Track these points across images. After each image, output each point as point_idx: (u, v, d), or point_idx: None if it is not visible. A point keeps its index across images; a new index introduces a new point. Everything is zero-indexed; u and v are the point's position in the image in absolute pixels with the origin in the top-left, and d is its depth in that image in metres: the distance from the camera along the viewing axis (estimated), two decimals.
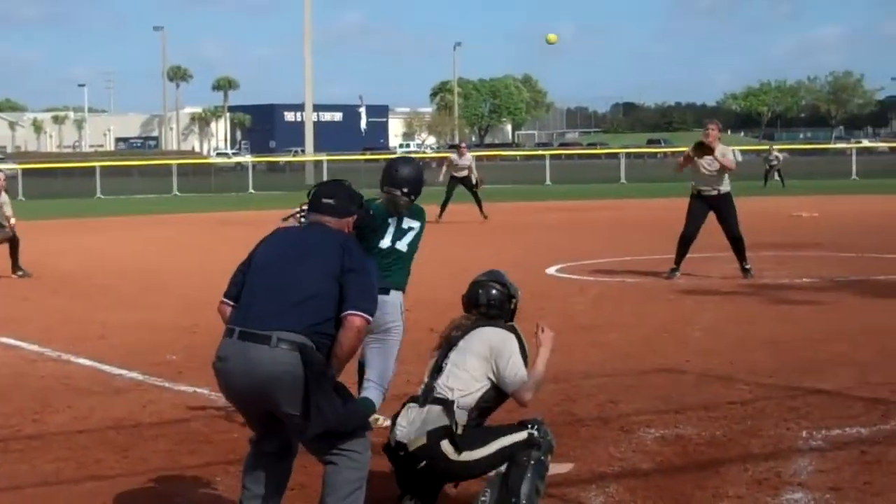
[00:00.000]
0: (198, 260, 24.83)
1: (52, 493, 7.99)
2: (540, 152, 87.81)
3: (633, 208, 35.99)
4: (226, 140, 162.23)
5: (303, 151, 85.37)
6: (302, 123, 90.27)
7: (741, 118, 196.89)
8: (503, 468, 6.87)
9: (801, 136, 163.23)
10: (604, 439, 8.89)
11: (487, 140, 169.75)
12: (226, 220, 38.23)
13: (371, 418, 7.93)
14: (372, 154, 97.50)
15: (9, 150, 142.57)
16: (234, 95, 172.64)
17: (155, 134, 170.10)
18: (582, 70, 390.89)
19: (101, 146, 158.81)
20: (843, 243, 24.46)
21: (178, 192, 60.35)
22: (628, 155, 73.02)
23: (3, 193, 21.23)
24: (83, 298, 18.33)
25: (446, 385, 7.02)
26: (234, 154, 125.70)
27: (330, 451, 6.31)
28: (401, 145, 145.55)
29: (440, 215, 31.56)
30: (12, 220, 21.16)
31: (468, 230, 28.87)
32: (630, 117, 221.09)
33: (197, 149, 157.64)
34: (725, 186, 18.35)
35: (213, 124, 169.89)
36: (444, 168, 35.41)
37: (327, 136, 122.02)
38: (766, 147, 60.89)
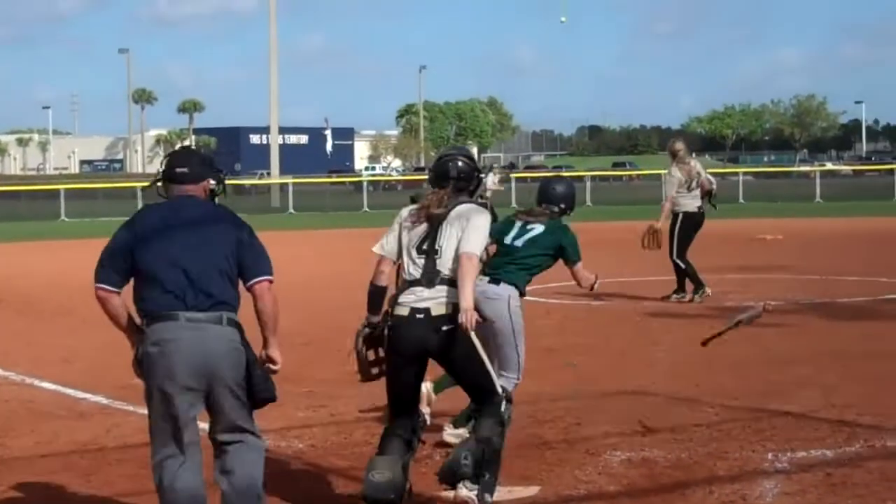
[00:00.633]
0: None
1: None
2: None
3: (598, 231, 36.03)
4: None
5: (268, 174, 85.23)
6: (267, 146, 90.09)
7: (706, 141, 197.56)
8: (472, 438, 7.48)
9: (766, 158, 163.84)
10: (570, 462, 8.89)
11: None
12: None
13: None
14: (338, 177, 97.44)
15: None
16: (200, 118, 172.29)
17: (120, 156, 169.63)
18: (547, 93, 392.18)
19: (66, 168, 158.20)
20: (807, 266, 24.55)
21: None
22: (594, 178, 73.14)
23: None
24: (47, 321, 18.24)
25: (450, 267, 7.48)
26: None
27: (242, 430, 6.90)
28: (367, 168, 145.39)
29: None
30: None
31: None
32: (595, 140, 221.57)
33: None
34: (680, 207, 18.57)
35: (178, 147, 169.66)
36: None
37: (293, 159, 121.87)
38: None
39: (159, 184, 6.97)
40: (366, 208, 63.97)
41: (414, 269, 7.59)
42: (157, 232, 6.71)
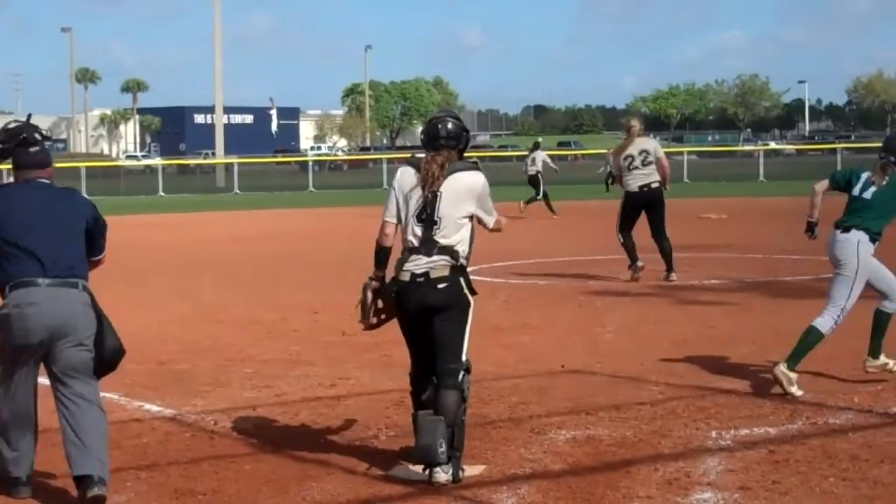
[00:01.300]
0: (108, 263, 24.55)
1: None
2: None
3: (544, 210, 36.06)
4: (135, 142, 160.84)
5: (213, 154, 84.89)
6: (212, 126, 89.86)
7: (650, 120, 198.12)
8: (441, 421, 7.83)
9: (710, 138, 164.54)
10: (515, 441, 8.91)
11: (399, 142, 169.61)
12: (136, 223, 37.95)
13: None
14: (283, 156, 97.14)
15: None
16: (144, 97, 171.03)
17: (63, 136, 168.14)
18: (493, 72, 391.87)
19: None
20: (751, 245, 24.72)
21: (86, 195, 59.64)
22: None
23: None
24: None
25: (447, 237, 8.06)
26: (143, 157, 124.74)
27: (84, 388, 7.62)
28: (312, 148, 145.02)
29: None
30: None
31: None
32: (540, 120, 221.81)
33: (106, 151, 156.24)
34: (624, 186, 18.76)
35: (122, 126, 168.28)
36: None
37: (238, 139, 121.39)
38: (606, 151, 60.14)
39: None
40: (311, 188, 63.82)
41: (414, 237, 8.11)
42: (19, 215, 7.61)
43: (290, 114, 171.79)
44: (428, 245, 8.06)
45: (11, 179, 7.94)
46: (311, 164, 72.93)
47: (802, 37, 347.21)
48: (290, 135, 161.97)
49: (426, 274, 8.04)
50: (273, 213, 43.61)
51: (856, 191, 10.66)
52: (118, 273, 22.49)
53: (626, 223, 18.60)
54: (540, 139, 49.42)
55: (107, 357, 7.77)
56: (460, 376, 8.04)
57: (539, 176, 36.93)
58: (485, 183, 8.23)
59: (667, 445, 8.72)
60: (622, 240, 18.56)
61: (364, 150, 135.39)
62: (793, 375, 10.29)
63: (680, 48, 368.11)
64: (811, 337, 10.53)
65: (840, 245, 10.64)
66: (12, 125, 7.92)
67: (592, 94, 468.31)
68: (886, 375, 10.80)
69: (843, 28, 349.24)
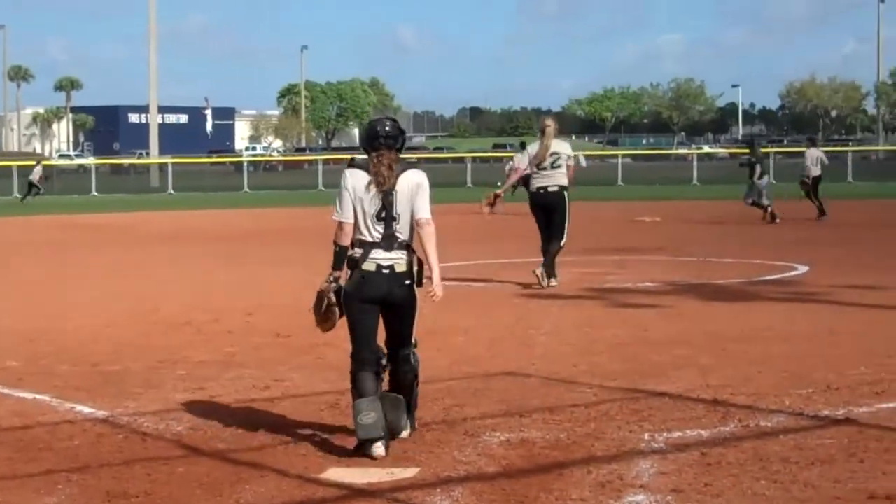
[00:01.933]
0: (38, 264, 24.41)
1: None
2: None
3: (478, 212, 36.18)
4: (68, 141, 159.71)
5: (147, 154, 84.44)
6: (147, 125, 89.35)
7: (586, 123, 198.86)
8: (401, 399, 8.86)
9: (644, 141, 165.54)
10: (449, 443, 8.91)
11: (335, 143, 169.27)
12: (69, 223, 37.68)
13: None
14: (218, 157, 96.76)
15: None
16: (78, 96, 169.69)
17: None
18: (429, 74, 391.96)
19: None
20: (684, 248, 24.87)
21: (18, 195, 59.29)
22: (474, 159, 73.45)
23: None
24: None
25: (403, 232, 8.77)
26: (76, 156, 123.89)
27: None
28: (247, 148, 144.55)
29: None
30: None
31: (318, 235, 28.73)
32: (476, 122, 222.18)
33: (39, 150, 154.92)
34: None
35: (55, 125, 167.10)
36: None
37: (172, 139, 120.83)
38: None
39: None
40: (246, 188, 63.63)
41: (374, 233, 8.72)
42: None
43: (226, 114, 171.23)
44: (389, 241, 8.72)
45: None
46: (246, 164, 72.75)
47: (736, 41, 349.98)
48: (225, 135, 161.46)
49: (391, 267, 8.70)
50: (208, 214, 43.43)
51: None
52: (50, 273, 22.35)
53: (538, 225, 18.46)
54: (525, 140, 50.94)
55: None
56: (412, 359, 8.96)
57: None
58: (426, 180, 8.90)
59: (600, 448, 8.74)
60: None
61: (300, 150, 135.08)
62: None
63: (616, 51, 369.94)
64: None
65: None
66: None
67: (529, 96, 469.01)
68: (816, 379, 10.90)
69: (777, 33, 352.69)
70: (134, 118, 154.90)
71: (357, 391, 8.71)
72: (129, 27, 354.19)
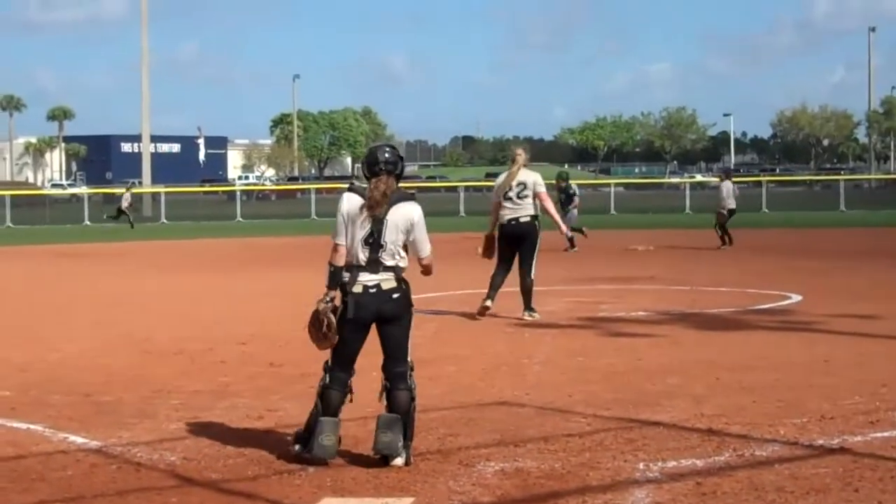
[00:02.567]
0: (31, 293, 24.38)
1: None
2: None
3: (471, 242, 36.16)
4: (61, 171, 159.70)
5: (140, 183, 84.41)
6: (139, 154, 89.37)
7: (578, 152, 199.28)
8: (397, 418, 9.02)
9: (637, 170, 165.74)
10: (444, 473, 8.90)
11: (327, 173, 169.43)
12: (61, 252, 37.64)
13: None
14: (211, 186, 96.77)
15: None
16: (70, 125, 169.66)
17: None
18: (422, 103, 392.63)
19: None
20: (677, 277, 24.88)
21: (11, 224, 59.28)
22: (467, 188, 73.54)
23: None
24: None
25: (390, 259, 9.08)
26: (69, 185, 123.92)
27: None
28: (240, 177, 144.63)
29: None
30: None
31: (311, 265, 28.73)
32: (469, 151, 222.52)
33: (31, 180, 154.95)
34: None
35: (47, 155, 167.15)
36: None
37: (165, 168, 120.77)
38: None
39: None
40: (239, 218, 63.60)
41: (361, 257, 9.06)
42: None
43: (218, 143, 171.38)
44: (373, 265, 9.07)
45: None
46: (238, 193, 72.75)
47: (728, 70, 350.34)
48: (217, 164, 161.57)
49: (378, 286, 9.05)
50: (200, 243, 43.41)
51: None
52: (42, 302, 22.32)
53: (500, 257, 18.35)
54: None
55: None
56: (409, 378, 9.17)
57: None
58: (421, 214, 9.24)
59: (595, 477, 8.73)
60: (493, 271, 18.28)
61: (292, 179, 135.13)
62: None
63: (607, 79, 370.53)
64: None
65: None
66: None
67: (521, 125, 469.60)
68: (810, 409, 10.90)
69: (768, 62, 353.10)
70: (126, 147, 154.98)
71: (323, 406, 9.11)
72: (121, 57, 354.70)
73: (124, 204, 57.16)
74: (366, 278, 9.05)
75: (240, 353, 15.16)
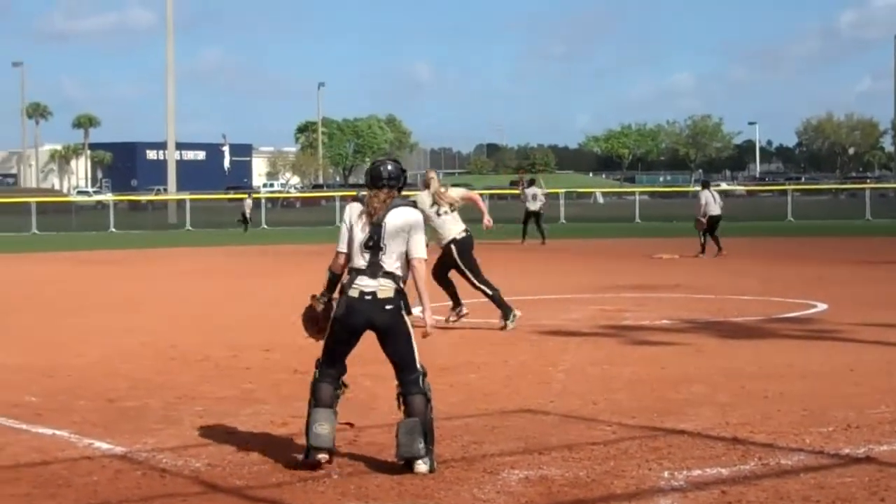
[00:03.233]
0: (57, 299, 24.45)
1: None
2: (404, 193, 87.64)
3: (495, 249, 36.16)
4: (86, 178, 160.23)
5: (165, 190, 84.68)
6: (164, 162, 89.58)
7: (602, 160, 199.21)
8: (415, 420, 9.09)
9: (662, 178, 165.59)
10: (468, 481, 8.89)
11: (352, 180, 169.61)
12: (87, 259, 37.75)
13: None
14: (235, 193, 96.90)
15: None
16: (95, 133, 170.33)
17: (14, 171, 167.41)
18: (446, 111, 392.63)
19: None
20: (702, 285, 24.83)
21: (37, 231, 59.50)
22: (492, 196, 73.56)
23: None
24: None
25: (391, 262, 9.23)
26: (94, 192, 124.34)
27: None
28: (265, 185, 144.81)
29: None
30: None
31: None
32: (493, 158, 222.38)
33: (57, 186, 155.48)
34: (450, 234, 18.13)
35: (73, 162, 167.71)
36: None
37: (190, 175, 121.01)
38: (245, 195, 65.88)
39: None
40: (264, 225, 63.72)
41: (361, 261, 9.25)
42: None
43: (243, 150, 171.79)
44: (373, 268, 9.21)
45: None
46: (263, 200, 72.85)
47: (753, 78, 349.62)
48: (242, 171, 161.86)
49: (374, 293, 9.18)
50: (225, 250, 43.49)
51: None
52: (66, 307, 22.39)
53: (441, 270, 18.20)
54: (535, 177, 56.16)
55: None
56: (422, 383, 9.25)
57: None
58: (420, 219, 9.46)
59: (619, 486, 8.71)
60: (491, 291, 18.17)
61: (317, 187, 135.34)
62: None
63: (632, 87, 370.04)
64: None
65: None
66: None
67: (545, 133, 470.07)
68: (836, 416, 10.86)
69: (793, 71, 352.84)
70: (151, 155, 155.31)
71: (315, 399, 9.30)
72: (147, 64, 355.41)
73: (247, 210, 59.58)
74: (363, 283, 9.20)
75: (264, 359, 15.18)
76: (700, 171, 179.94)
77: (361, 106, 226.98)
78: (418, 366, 9.33)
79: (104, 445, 10.27)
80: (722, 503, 8.21)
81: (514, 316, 17.79)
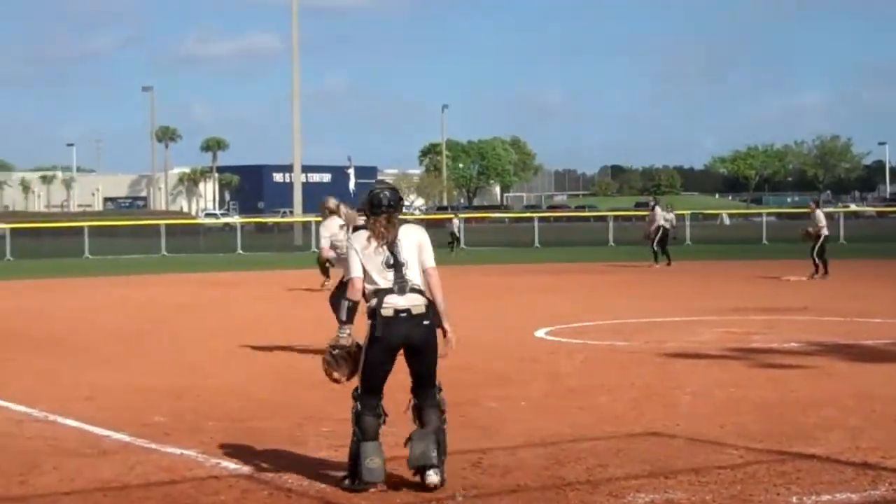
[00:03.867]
0: (186, 321, 24.75)
1: None
2: (528, 214, 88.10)
3: (621, 271, 35.98)
4: (214, 200, 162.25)
5: (291, 212, 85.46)
6: (290, 184, 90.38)
7: (729, 181, 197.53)
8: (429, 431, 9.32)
9: (789, 199, 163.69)
10: None
11: (476, 202, 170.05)
12: (214, 280, 38.19)
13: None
14: (361, 215, 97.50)
15: None
16: (223, 156, 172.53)
17: (143, 194, 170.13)
18: (570, 132, 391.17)
19: (90, 206, 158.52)
20: (831, 307, 24.49)
21: (166, 253, 60.33)
22: (616, 218, 73.25)
23: None
24: (70, 358, 18.25)
25: (415, 276, 9.38)
26: (222, 214, 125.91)
27: None
28: None
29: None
30: None
31: (456, 292, 28.73)
32: (618, 180, 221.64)
33: (185, 209, 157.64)
34: None
35: (201, 185, 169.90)
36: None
37: (316, 197, 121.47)
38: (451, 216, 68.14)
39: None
40: None
41: (385, 281, 9.34)
42: None
43: (368, 173, 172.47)
44: (401, 285, 9.32)
45: None
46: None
47: (883, 99, 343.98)
48: None
49: (408, 311, 9.28)
50: None
51: None
52: (194, 329, 22.66)
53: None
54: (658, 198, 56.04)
55: None
56: (437, 395, 9.48)
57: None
58: (426, 234, 9.67)
59: None
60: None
61: (441, 209, 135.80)
62: None
63: (759, 108, 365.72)
64: None
65: None
66: None
67: (671, 154, 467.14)
68: None
69: None
70: (278, 177, 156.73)
71: (362, 433, 9.38)
72: (273, 88, 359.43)
73: (455, 230, 61.95)
74: (394, 301, 9.30)
75: (389, 380, 15.19)
76: (828, 191, 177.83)
77: (485, 127, 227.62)
78: (436, 380, 9.53)
79: (231, 465, 10.37)
80: None
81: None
